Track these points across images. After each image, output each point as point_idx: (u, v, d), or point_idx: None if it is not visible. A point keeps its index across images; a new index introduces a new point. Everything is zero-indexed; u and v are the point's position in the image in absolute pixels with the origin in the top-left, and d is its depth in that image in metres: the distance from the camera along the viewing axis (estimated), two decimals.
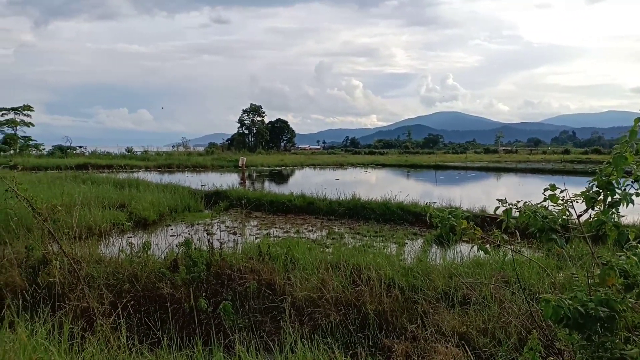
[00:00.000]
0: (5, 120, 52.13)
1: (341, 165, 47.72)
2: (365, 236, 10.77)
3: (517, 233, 3.57)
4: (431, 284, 5.71)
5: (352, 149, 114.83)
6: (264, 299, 5.75)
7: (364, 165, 48.76)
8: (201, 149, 74.48)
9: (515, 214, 3.13)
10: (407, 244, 9.87)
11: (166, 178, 23.13)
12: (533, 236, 3.10)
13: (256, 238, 10.04)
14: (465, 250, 7.92)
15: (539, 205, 3.10)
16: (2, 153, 43.51)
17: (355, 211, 13.78)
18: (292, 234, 11.22)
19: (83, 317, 4.83)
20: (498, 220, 3.43)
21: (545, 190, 3.05)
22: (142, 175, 24.28)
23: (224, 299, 5.52)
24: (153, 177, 24.43)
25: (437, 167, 45.29)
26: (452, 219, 3.48)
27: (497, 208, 3.18)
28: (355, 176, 34.35)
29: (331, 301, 5.39)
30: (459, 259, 7.11)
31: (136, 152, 50.86)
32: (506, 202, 3.14)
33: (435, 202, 13.16)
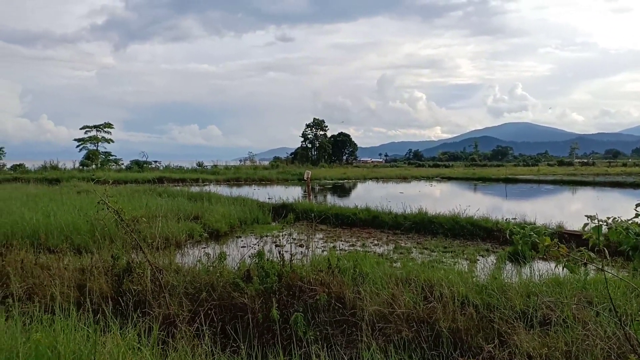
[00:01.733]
0: (89, 137, 56.37)
1: (404, 179, 47.09)
2: (434, 251, 10.54)
3: (606, 251, 3.37)
4: (507, 302, 5.48)
5: (415, 161, 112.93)
6: (334, 312, 5.77)
7: (429, 178, 47.79)
8: (266, 162, 76.44)
9: (603, 230, 2.97)
10: (479, 260, 9.55)
11: (235, 191, 23.95)
12: (621, 254, 2.92)
13: (323, 251, 10.13)
14: (542, 268, 7.54)
15: (630, 222, 2.92)
16: (85, 168, 46.98)
17: (422, 225, 13.53)
18: (358, 248, 11.21)
19: (164, 324, 5.09)
20: (583, 237, 3.26)
21: (637, 205, 2.87)
22: (212, 188, 25.28)
23: (296, 311, 5.61)
24: (223, 190, 25.36)
25: (507, 181, 43.47)
26: (534, 235, 3.35)
27: (585, 225, 3.03)
28: (419, 189, 33.75)
29: (402, 317, 5.32)
30: (536, 277, 6.78)
31: (206, 166, 53.09)
32: (595, 218, 2.98)
33: (515, 218, 12.68)
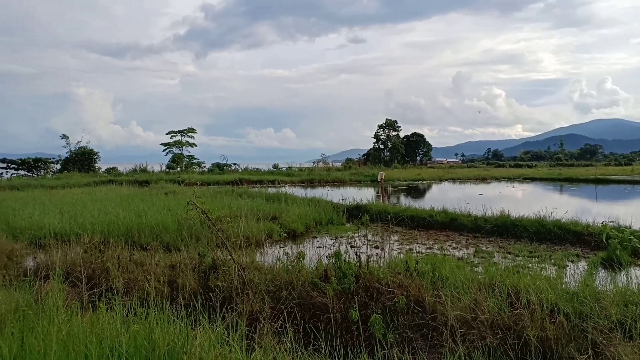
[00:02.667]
0: (174, 141, 59.87)
1: (483, 179, 45.25)
2: (518, 256, 10.03)
3: None
4: (602, 311, 5.10)
5: (494, 161, 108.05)
6: (413, 316, 5.69)
7: (509, 179, 45.54)
8: (339, 164, 76.84)
9: None
10: (568, 266, 8.95)
11: (309, 192, 24.34)
12: None
13: (399, 253, 10.00)
14: None
15: None
16: (171, 170, 49.94)
17: (505, 229, 12.92)
18: (435, 251, 10.94)
19: (248, 320, 5.28)
20: None
21: None
22: (287, 189, 25.86)
23: (374, 312, 5.59)
24: (297, 191, 25.86)
25: (597, 181, 40.35)
26: (635, 240, 3.08)
27: None
28: (500, 191, 32.27)
29: (486, 323, 5.12)
30: (634, 285, 6.23)
31: (281, 168, 54.47)
32: None
33: (612, 221, 11.78)
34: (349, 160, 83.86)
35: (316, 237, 13.00)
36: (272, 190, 25.34)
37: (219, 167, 52.09)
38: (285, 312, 5.25)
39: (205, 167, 56.31)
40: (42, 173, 46.30)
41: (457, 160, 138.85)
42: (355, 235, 12.87)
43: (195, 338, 3.85)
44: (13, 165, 46.55)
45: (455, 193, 30.32)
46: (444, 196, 28.25)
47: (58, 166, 49.00)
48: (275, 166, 55.60)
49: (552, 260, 9.42)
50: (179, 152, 58.94)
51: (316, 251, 10.26)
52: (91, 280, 7.06)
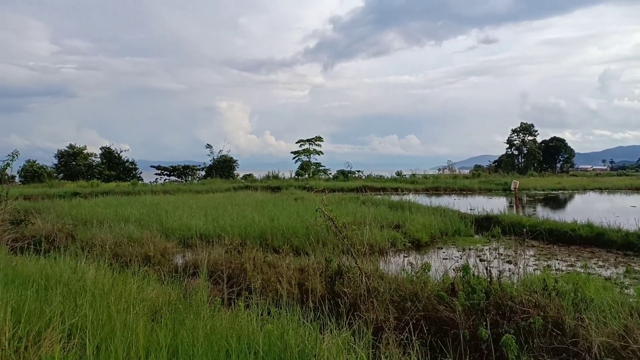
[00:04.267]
0: (303, 149, 62.74)
1: (637, 190, 39.81)
2: None
3: None
4: None
5: None
6: (551, 339, 5.25)
7: None
8: (466, 171, 73.51)
9: None
10: None
11: (434, 200, 23.72)
12: None
13: (535, 270, 9.29)
14: None
15: None
16: (299, 177, 52.34)
17: None
18: (578, 269, 9.92)
19: (373, 328, 5.34)
20: None
21: None
22: (411, 197, 25.50)
23: (506, 332, 5.28)
24: (422, 199, 25.36)
25: None
26: None
27: None
28: None
29: (639, 354, 4.53)
30: None
31: (405, 175, 53.85)
32: None
33: None
34: (477, 167, 79.79)
35: (442, 248, 12.62)
36: (395, 197, 25.18)
37: (344, 174, 53.24)
38: (410, 323, 5.20)
39: (330, 174, 57.98)
40: (189, 179, 51.76)
41: (604, 167, 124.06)
42: (485, 248, 12.23)
43: (323, 341, 4.01)
44: (166, 172, 52.80)
45: (602, 205, 27.15)
46: (589, 208, 25.46)
47: (203, 173, 54.37)
48: (399, 173, 55.12)
49: None
50: (307, 159, 61.56)
51: (442, 263, 9.98)
52: (231, 279, 7.72)
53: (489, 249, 11.57)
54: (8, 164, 10.83)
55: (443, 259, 10.93)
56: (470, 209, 18.66)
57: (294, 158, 63.01)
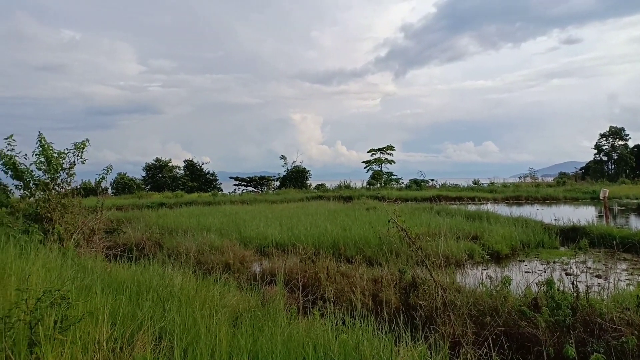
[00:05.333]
0: (374, 159, 62.48)
1: None
2: None
3: None
4: None
5: None
6: None
7: None
8: (550, 179, 69.24)
9: None
10: None
11: (515, 210, 22.61)
12: None
13: (627, 285, 8.58)
14: None
15: None
16: (371, 187, 52.14)
17: None
18: None
19: (449, 342, 5.22)
20: None
21: None
22: (489, 207, 24.48)
23: (595, 351, 4.94)
24: (501, 209, 24.28)
25: None
26: None
27: None
28: None
29: None
30: None
31: (482, 184, 51.78)
32: None
33: None
34: (562, 174, 74.87)
35: (523, 261, 12.01)
36: (472, 207, 24.33)
37: (416, 183, 52.25)
38: (490, 339, 5.02)
39: (402, 183, 57.15)
40: (265, 189, 53.37)
41: None
42: (572, 261, 11.48)
43: (398, 354, 4.00)
44: (243, 183, 54.83)
45: None
46: None
47: (277, 183, 55.82)
48: (476, 182, 53.10)
49: None
50: (379, 169, 61.19)
51: (524, 276, 9.50)
52: (305, 287, 7.88)
53: (576, 262, 10.84)
54: (103, 177, 11.89)
55: (525, 272, 10.40)
56: (555, 220, 17.58)
57: (365, 167, 62.93)
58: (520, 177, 66.03)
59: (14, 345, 3.67)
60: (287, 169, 56.78)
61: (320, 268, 8.44)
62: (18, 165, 10.38)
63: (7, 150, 10.26)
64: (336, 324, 4.90)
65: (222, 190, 54.80)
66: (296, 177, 55.38)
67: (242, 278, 8.81)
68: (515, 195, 38.01)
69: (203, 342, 3.95)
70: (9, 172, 10.44)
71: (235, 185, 55.17)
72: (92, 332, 4.12)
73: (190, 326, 4.59)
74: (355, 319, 4.89)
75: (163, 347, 4.21)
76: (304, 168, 56.74)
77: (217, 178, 59.03)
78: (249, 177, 55.47)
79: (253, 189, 53.94)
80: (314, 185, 54.83)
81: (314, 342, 4.13)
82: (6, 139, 10.33)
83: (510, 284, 6.34)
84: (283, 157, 57.68)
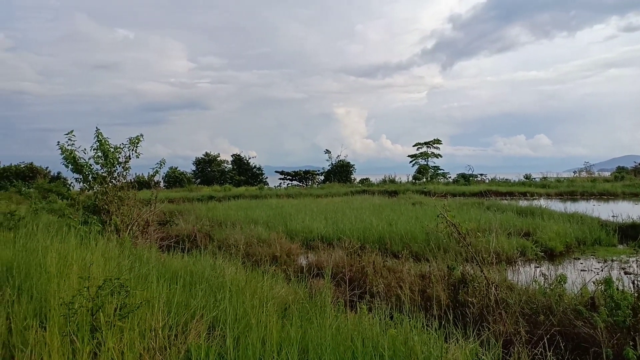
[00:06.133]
0: (420, 153, 61.40)
1: None
2: None
3: None
4: None
5: None
6: None
7: None
8: (607, 174, 65.74)
9: None
10: None
11: (569, 206, 21.66)
12: None
13: None
14: None
15: None
16: (416, 181, 51.38)
17: None
18: None
19: (501, 340, 5.09)
20: None
21: None
22: (542, 202, 23.61)
23: None
24: (554, 205, 23.34)
25: None
26: None
27: None
28: None
29: None
30: None
31: (534, 178, 49.88)
32: None
33: None
34: (620, 169, 70.89)
35: (579, 259, 11.51)
36: (523, 203, 23.50)
37: (464, 178, 50.97)
38: (545, 338, 4.86)
39: (449, 177, 55.93)
40: (309, 183, 53.72)
41: None
42: (631, 259, 10.91)
43: (447, 351, 3.95)
44: (288, 177, 55.41)
45: None
46: None
47: (322, 177, 56.03)
48: (527, 176, 51.17)
49: None
50: (425, 163, 60.14)
51: (579, 275, 9.11)
52: (351, 281, 7.90)
53: (636, 260, 10.28)
54: (157, 171, 12.33)
55: (580, 270, 9.97)
56: (613, 216, 16.73)
57: (411, 162, 61.95)
58: (574, 172, 63.04)
59: (77, 330, 3.89)
60: (332, 163, 56.84)
61: (367, 262, 8.42)
62: (78, 160, 10.91)
63: (68, 145, 10.80)
64: (383, 319, 4.89)
65: (267, 184, 55.65)
66: (340, 171, 55.37)
67: (289, 270, 8.93)
68: (570, 190, 36.37)
69: (254, 332, 4.04)
70: (70, 166, 10.98)
71: (280, 179, 55.83)
72: (148, 320, 4.31)
73: (241, 316, 4.71)
74: (403, 314, 4.85)
75: (215, 336, 4.34)
76: (348, 162, 56.63)
77: (263, 172, 59.96)
78: (294, 171, 55.97)
79: (298, 183, 54.40)
80: (358, 180, 54.60)
81: (362, 336, 4.14)
82: (67, 134, 10.87)
83: (565, 282, 6.11)
84: (327, 152, 57.80)
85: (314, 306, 5.35)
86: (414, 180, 52.16)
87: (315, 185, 50.75)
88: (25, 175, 42.50)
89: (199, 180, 56.20)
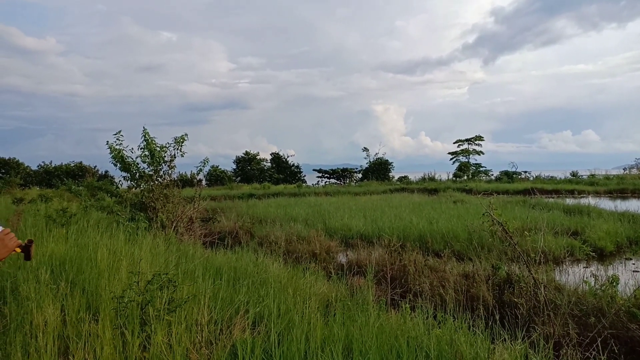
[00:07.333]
0: (461, 150, 60.15)
1: None
2: None
3: None
4: None
5: None
6: None
7: None
8: None
9: None
10: None
11: (620, 205, 20.71)
12: None
13: None
14: None
15: None
16: (457, 179, 50.38)
17: None
18: None
19: (551, 342, 4.94)
20: None
21: None
22: (590, 200, 22.67)
23: None
24: (604, 203, 22.39)
25: None
26: None
27: None
28: None
29: None
30: None
31: (582, 176, 47.95)
32: None
33: None
34: None
35: (630, 259, 11.00)
36: (570, 201, 22.66)
37: (508, 175, 49.53)
38: (598, 341, 4.68)
39: (492, 175, 54.50)
40: (347, 181, 53.66)
41: None
42: None
43: (494, 352, 3.86)
44: (326, 175, 55.56)
45: None
46: None
47: (359, 175, 55.83)
48: (574, 174, 49.24)
49: None
50: (466, 160, 58.88)
51: (632, 276, 8.73)
52: (392, 280, 7.85)
53: None
54: (201, 170, 12.64)
55: (633, 271, 9.54)
56: None
57: (451, 159, 60.78)
58: (624, 169, 60.07)
59: (127, 323, 4.04)
60: (369, 161, 56.52)
61: (408, 261, 8.34)
62: (126, 159, 11.33)
63: (117, 145, 11.23)
64: (427, 318, 4.84)
65: (306, 182, 55.93)
66: (378, 169, 54.97)
67: (329, 268, 8.96)
68: (620, 188, 34.78)
69: (297, 329, 4.09)
70: (118, 165, 11.42)
71: (318, 177, 56.02)
72: (194, 315, 4.43)
73: (284, 312, 4.77)
74: (447, 314, 4.78)
75: (259, 331, 4.42)
76: (386, 160, 56.14)
77: (301, 170, 60.33)
78: (332, 169, 56.03)
79: (336, 180, 54.42)
80: (396, 178, 54.08)
81: (405, 336, 4.11)
82: (115, 134, 11.31)
83: (617, 284, 5.86)
84: (365, 149, 57.52)
85: (355, 304, 5.36)
86: (454, 178, 51.15)
87: (353, 183, 50.63)
88: (75, 174, 44.51)
89: (239, 178, 57.13)
